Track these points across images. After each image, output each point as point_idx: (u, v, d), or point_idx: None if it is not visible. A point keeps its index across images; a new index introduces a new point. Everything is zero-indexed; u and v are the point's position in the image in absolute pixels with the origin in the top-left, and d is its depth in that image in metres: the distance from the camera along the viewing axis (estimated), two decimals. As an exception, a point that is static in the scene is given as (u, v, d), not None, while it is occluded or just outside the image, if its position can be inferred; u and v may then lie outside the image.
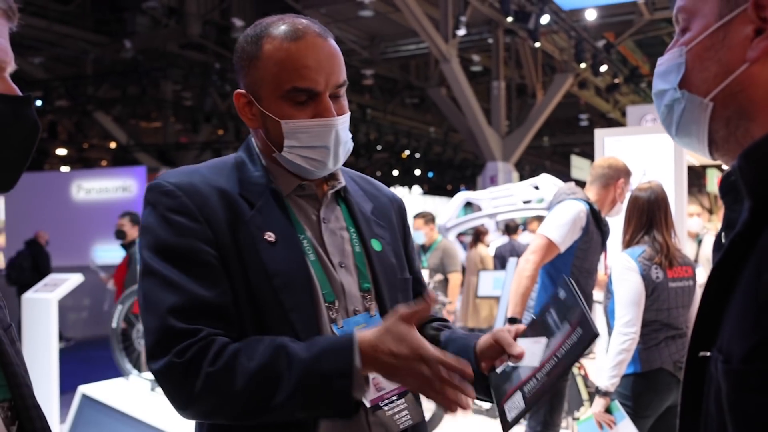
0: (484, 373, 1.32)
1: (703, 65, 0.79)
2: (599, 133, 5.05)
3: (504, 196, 7.60)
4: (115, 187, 14.34)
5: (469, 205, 8.84)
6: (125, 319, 5.71)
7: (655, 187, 3.18)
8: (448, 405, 1.13)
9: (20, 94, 0.91)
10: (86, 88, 14.87)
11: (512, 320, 3.31)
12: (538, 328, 1.25)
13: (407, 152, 20.40)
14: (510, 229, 8.29)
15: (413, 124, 21.54)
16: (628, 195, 3.42)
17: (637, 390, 3.07)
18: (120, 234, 6.99)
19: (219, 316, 1.21)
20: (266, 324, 1.24)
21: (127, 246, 6.97)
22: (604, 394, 3.01)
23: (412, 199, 17.10)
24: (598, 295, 3.67)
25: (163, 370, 1.16)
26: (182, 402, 1.18)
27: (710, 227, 8.25)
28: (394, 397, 1.33)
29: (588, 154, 23.16)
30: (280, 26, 1.28)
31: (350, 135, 1.36)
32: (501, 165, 14.36)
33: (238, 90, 1.34)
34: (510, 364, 1.26)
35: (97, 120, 16.21)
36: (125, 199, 14.29)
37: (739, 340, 0.66)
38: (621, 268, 3.10)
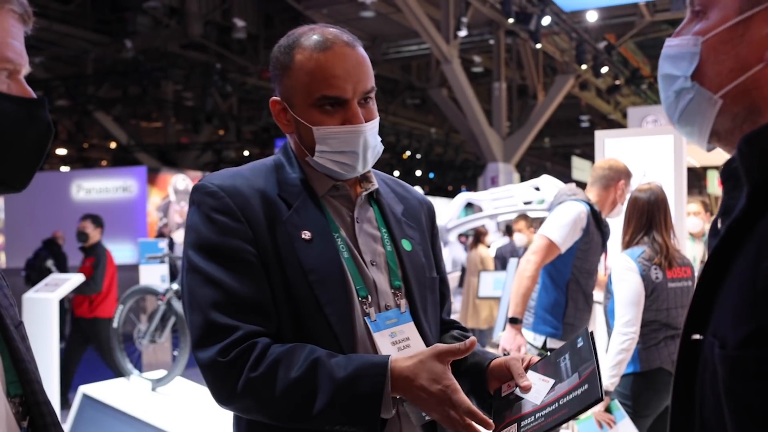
0: (489, 392, 1.38)
1: (718, 59, 0.78)
2: (600, 135, 5.06)
3: (505, 197, 7.60)
4: (115, 187, 14.36)
5: (469, 206, 8.84)
6: (126, 319, 5.72)
7: (655, 189, 3.20)
8: None
9: (35, 96, 0.93)
10: (87, 87, 14.90)
11: (513, 320, 3.34)
12: (550, 368, 1.28)
13: (408, 153, 20.41)
14: (511, 229, 8.31)
15: (414, 125, 21.54)
16: (628, 196, 3.44)
17: (637, 389, 3.10)
18: (82, 236, 6.96)
19: (258, 311, 1.28)
20: (302, 318, 1.31)
21: (88, 249, 6.95)
22: (604, 393, 3.01)
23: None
24: (598, 295, 3.67)
25: (206, 365, 1.25)
26: (223, 398, 1.27)
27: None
28: None
29: (589, 155, 23.15)
30: (311, 36, 1.36)
31: (379, 139, 1.42)
32: (502, 166, 14.35)
33: (274, 97, 1.42)
34: (516, 392, 1.30)
35: (97, 120, 16.21)
36: (125, 199, 14.29)
37: (735, 327, 0.67)
38: (621, 269, 3.12)
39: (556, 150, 25.81)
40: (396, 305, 1.41)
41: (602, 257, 3.57)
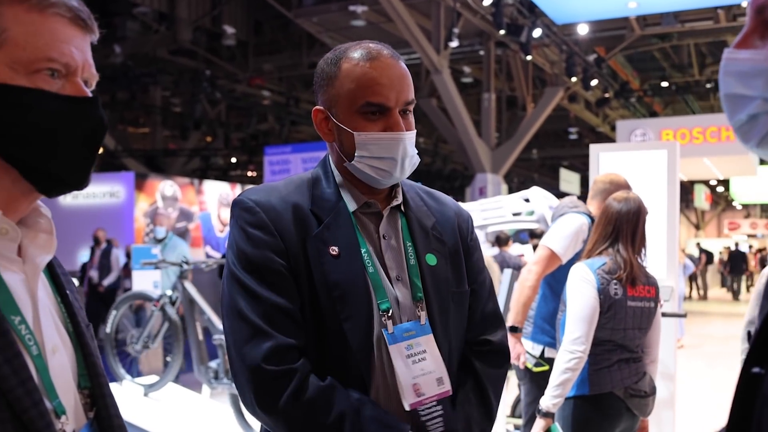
0: None
1: None
2: (594, 149, 5.06)
3: (494, 208, 7.58)
4: (102, 193, 14.24)
5: None
6: (119, 324, 5.74)
7: (632, 199, 2.99)
8: None
9: (90, 95, 0.97)
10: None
11: (513, 329, 3.36)
12: None
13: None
14: (500, 240, 8.31)
15: (403, 135, 21.52)
16: None
17: (585, 415, 2.86)
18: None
19: (290, 321, 1.36)
20: (323, 330, 1.39)
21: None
22: (545, 414, 2.79)
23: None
24: None
25: (252, 369, 1.32)
26: (260, 407, 1.34)
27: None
28: (433, 403, 1.44)
29: (576, 167, 23.27)
30: (358, 49, 1.45)
31: (416, 150, 1.48)
32: (490, 177, 14.38)
33: (317, 107, 1.49)
34: None
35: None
36: (113, 204, 14.17)
37: None
38: (577, 279, 2.88)
39: (544, 161, 25.91)
40: (416, 317, 1.46)
41: None
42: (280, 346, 1.33)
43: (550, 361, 3.23)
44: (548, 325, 3.46)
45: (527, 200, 7.33)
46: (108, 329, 5.64)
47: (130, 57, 14.06)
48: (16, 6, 0.91)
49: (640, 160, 4.82)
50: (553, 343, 3.38)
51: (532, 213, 7.21)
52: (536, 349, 3.47)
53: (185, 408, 5.23)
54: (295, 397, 1.31)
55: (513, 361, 3.42)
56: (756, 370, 0.71)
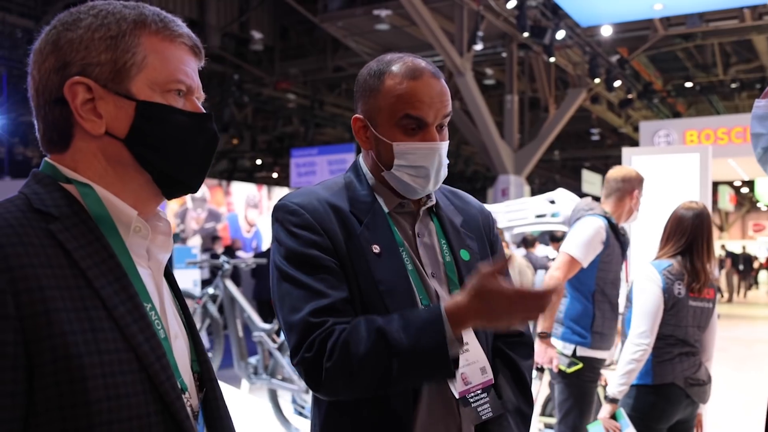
0: None
1: None
2: (627, 152, 5.13)
3: (518, 210, 7.65)
4: (132, 195, 14.53)
5: None
6: None
7: (701, 210, 3.16)
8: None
9: (204, 111, 1.11)
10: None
11: (542, 335, 3.47)
12: None
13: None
14: (527, 242, 8.34)
15: (426, 136, 21.62)
16: (642, 201, 3.61)
17: (649, 401, 3.09)
18: None
19: (343, 311, 1.41)
20: None
21: None
22: (611, 400, 3.05)
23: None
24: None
25: (299, 361, 1.39)
26: (313, 387, 1.40)
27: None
28: (479, 391, 1.51)
29: (599, 168, 23.20)
30: (402, 65, 1.51)
31: (447, 161, 1.55)
32: (513, 178, 14.42)
33: (356, 115, 1.56)
34: None
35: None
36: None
37: None
38: (643, 279, 3.11)
39: (566, 163, 25.86)
40: None
41: (623, 265, 3.68)
42: (318, 333, 1.37)
43: (583, 360, 3.50)
44: (578, 325, 3.53)
45: (552, 202, 7.40)
46: None
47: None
48: (152, 37, 1.06)
49: (673, 163, 4.86)
50: (585, 342, 3.48)
51: (557, 215, 7.27)
52: (568, 348, 3.53)
53: (227, 403, 5.36)
54: (331, 353, 1.35)
55: (545, 365, 3.50)
56: None
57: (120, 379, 0.94)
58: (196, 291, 6.17)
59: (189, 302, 6.37)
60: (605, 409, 3.08)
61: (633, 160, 5.02)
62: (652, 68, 18.03)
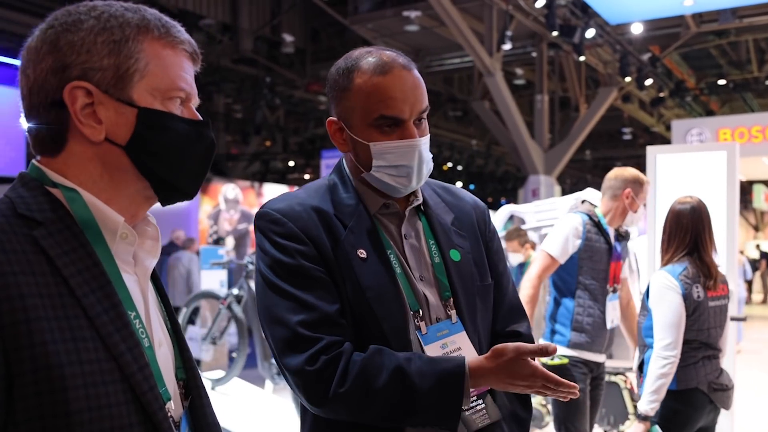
0: None
1: None
2: (651, 150, 4.94)
3: (548, 210, 7.63)
4: (167, 196, 14.83)
5: (510, 219, 8.83)
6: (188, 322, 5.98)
7: (697, 203, 3.10)
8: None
9: (201, 119, 1.11)
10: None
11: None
12: None
13: (449, 164, 20.56)
14: None
15: (456, 137, 21.69)
16: (642, 205, 3.50)
17: (674, 408, 3.01)
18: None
19: (334, 322, 1.37)
20: (362, 331, 1.40)
21: None
22: (644, 418, 2.97)
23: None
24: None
25: (295, 372, 1.34)
26: (313, 403, 1.36)
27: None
28: (474, 398, 1.46)
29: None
30: (369, 60, 1.43)
31: (431, 155, 1.50)
32: (543, 178, 14.37)
33: (331, 118, 1.49)
34: None
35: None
36: (179, 207, 14.76)
37: None
38: (660, 287, 3.01)
39: (597, 162, 25.65)
40: (447, 316, 1.46)
41: (615, 264, 3.52)
42: (322, 347, 1.33)
43: (568, 357, 3.41)
44: (559, 324, 3.48)
45: (583, 201, 7.37)
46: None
47: (195, 67, 14.62)
48: (155, 43, 1.04)
49: (698, 162, 4.72)
50: (563, 341, 3.42)
51: None
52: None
53: (249, 402, 5.35)
54: (343, 376, 1.31)
55: None
56: None
57: (102, 390, 0.92)
58: (222, 292, 6.28)
59: (214, 303, 6.45)
60: (638, 429, 2.99)
61: (658, 159, 4.86)
62: (684, 66, 17.83)
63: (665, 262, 3.10)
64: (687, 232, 3.05)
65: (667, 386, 2.95)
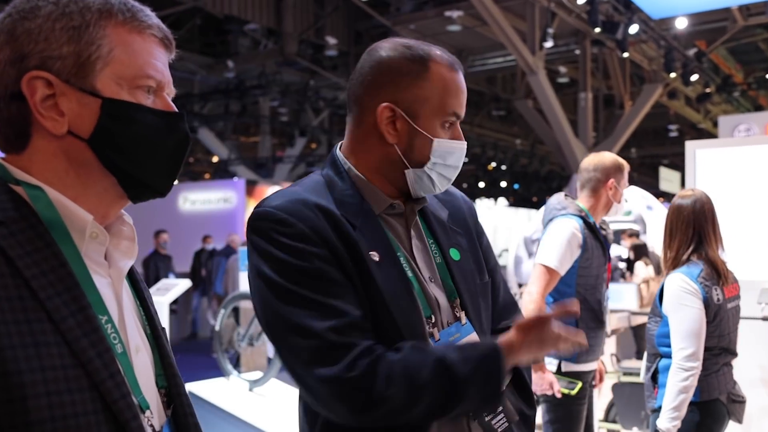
0: None
1: None
2: (690, 146, 4.63)
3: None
4: (216, 199, 15.21)
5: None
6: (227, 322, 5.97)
7: (699, 195, 2.86)
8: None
9: (176, 110, 1.03)
10: (193, 106, 15.89)
11: (534, 360, 3.03)
12: None
13: (493, 164, 20.58)
14: None
15: (500, 137, 21.70)
16: (625, 191, 3.22)
17: (695, 420, 2.78)
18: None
19: (363, 326, 1.28)
20: (383, 336, 1.30)
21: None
22: None
23: (498, 210, 17.34)
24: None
25: (332, 382, 1.22)
26: (354, 412, 1.24)
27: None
28: None
29: (677, 165, 22.61)
30: (437, 52, 1.39)
31: None
32: (588, 176, 14.27)
33: (386, 104, 1.35)
34: None
35: (201, 136, 17.25)
36: (225, 210, 15.14)
37: None
38: (679, 291, 2.75)
39: (643, 160, 25.34)
40: (456, 318, 1.41)
41: (606, 267, 3.23)
42: (359, 352, 1.23)
43: (570, 374, 3.10)
44: None
45: (625, 200, 7.26)
46: (217, 327, 5.89)
47: (242, 71, 15.03)
48: (119, 28, 0.97)
49: (741, 157, 4.39)
50: (569, 358, 3.06)
51: (629, 213, 7.14)
52: (552, 363, 3.08)
53: (287, 402, 5.28)
54: (388, 379, 1.23)
55: (546, 391, 3.02)
56: None
57: (67, 398, 0.85)
58: None
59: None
60: None
61: (698, 155, 4.49)
62: (732, 60, 17.53)
63: (671, 263, 2.85)
64: (689, 226, 2.81)
65: (689, 400, 2.71)
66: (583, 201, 3.21)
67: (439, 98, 1.36)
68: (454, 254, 1.45)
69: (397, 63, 1.37)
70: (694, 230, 2.81)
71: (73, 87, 0.94)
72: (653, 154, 24.37)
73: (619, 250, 9.46)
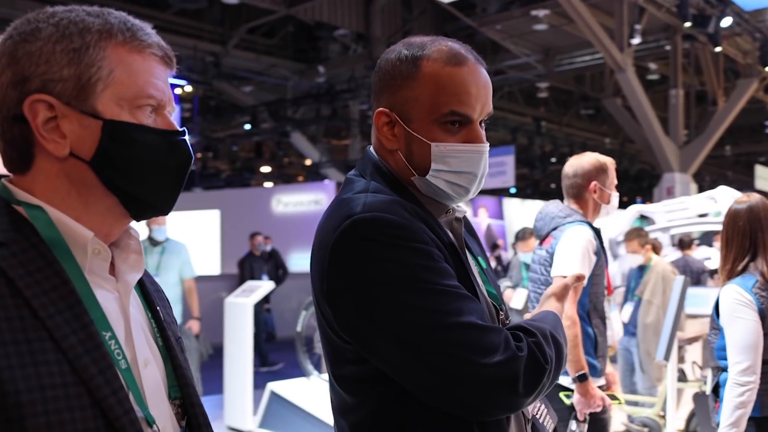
0: None
1: None
2: None
3: (678, 209, 7.34)
4: (308, 201, 15.74)
5: (644, 218, 8.60)
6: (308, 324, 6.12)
7: (756, 202, 2.77)
8: None
9: (178, 129, 1.03)
10: (286, 111, 16.52)
11: (582, 377, 2.82)
12: None
13: (582, 163, 20.29)
14: (684, 243, 7.89)
15: (588, 136, 21.44)
16: (613, 194, 3.09)
17: None
18: None
19: (492, 323, 1.27)
20: None
21: None
22: None
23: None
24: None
25: (508, 363, 1.15)
26: (530, 390, 1.18)
27: None
28: (538, 403, 1.40)
29: (776, 162, 21.69)
30: (440, 48, 1.27)
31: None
32: (678, 176, 13.96)
33: (381, 109, 1.30)
34: None
35: (294, 139, 17.92)
36: (317, 211, 15.68)
37: None
38: (733, 304, 2.66)
39: (738, 158, 24.41)
40: (503, 324, 1.35)
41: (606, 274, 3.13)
42: (510, 336, 1.19)
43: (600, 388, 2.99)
44: (585, 354, 2.93)
45: (714, 200, 7.15)
46: (299, 328, 6.03)
47: (332, 76, 15.52)
48: (119, 48, 0.97)
49: None
50: (594, 372, 2.94)
51: (719, 214, 7.02)
52: (565, 380, 2.91)
53: None
54: (543, 354, 1.20)
55: (597, 408, 2.85)
56: None
57: (67, 416, 0.85)
58: None
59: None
60: None
61: None
62: (835, 52, 16.71)
63: (728, 274, 2.76)
64: (744, 237, 2.73)
65: (747, 416, 2.61)
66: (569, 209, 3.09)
67: (430, 98, 1.26)
68: (482, 263, 1.41)
69: (390, 65, 1.31)
70: (750, 241, 2.74)
71: (75, 109, 0.95)
72: (749, 152, 23.45)
73: (709, 252, 9.23)
